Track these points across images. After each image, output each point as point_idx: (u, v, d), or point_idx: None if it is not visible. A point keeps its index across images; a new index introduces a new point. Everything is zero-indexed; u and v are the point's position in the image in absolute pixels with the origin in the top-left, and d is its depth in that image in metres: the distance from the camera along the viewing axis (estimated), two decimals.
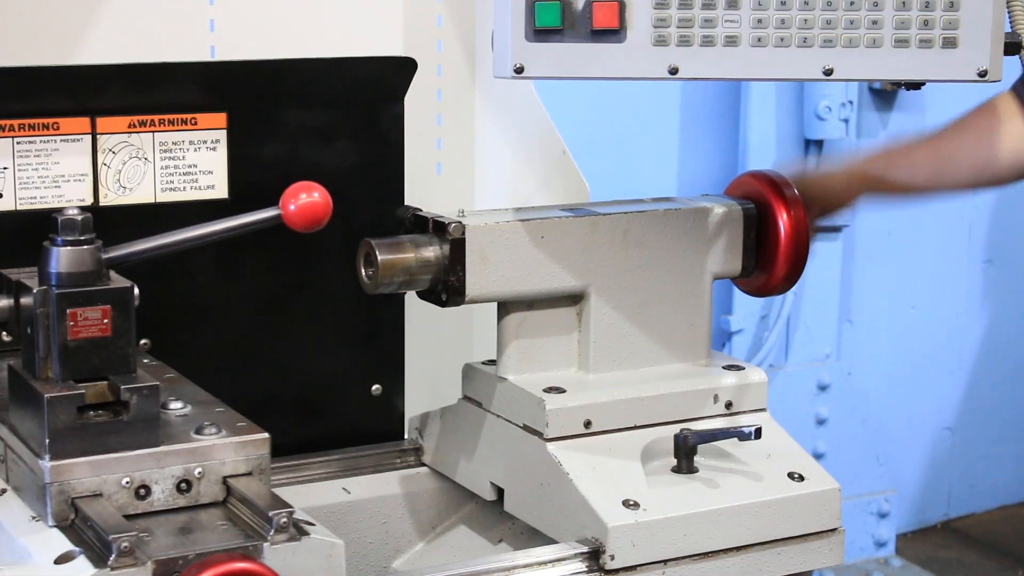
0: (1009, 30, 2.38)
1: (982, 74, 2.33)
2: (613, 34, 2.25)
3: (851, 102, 5.09)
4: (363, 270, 2.44)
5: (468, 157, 2.87)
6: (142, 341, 2.46)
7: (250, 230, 2.13)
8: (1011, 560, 5.68)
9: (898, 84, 2.42)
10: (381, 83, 2.72)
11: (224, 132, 2.60)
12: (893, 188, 2.78)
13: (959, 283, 5.79)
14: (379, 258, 2.40)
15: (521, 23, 2.22)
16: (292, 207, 2.10)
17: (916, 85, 2.39)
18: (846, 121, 5.07)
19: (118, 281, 2.04)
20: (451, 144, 2.85)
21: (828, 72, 2.31)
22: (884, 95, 5.19)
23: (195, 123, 2.58)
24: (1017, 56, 2.39)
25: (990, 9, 2.31)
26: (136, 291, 2.04)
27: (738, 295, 5.14)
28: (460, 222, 2.41)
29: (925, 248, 5.62)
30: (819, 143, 5.11)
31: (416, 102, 2.76)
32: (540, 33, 2.23)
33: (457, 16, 2.82)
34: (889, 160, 2.81)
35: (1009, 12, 2.39)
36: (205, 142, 2.59)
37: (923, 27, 2.30)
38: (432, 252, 2.41)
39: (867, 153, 2.88)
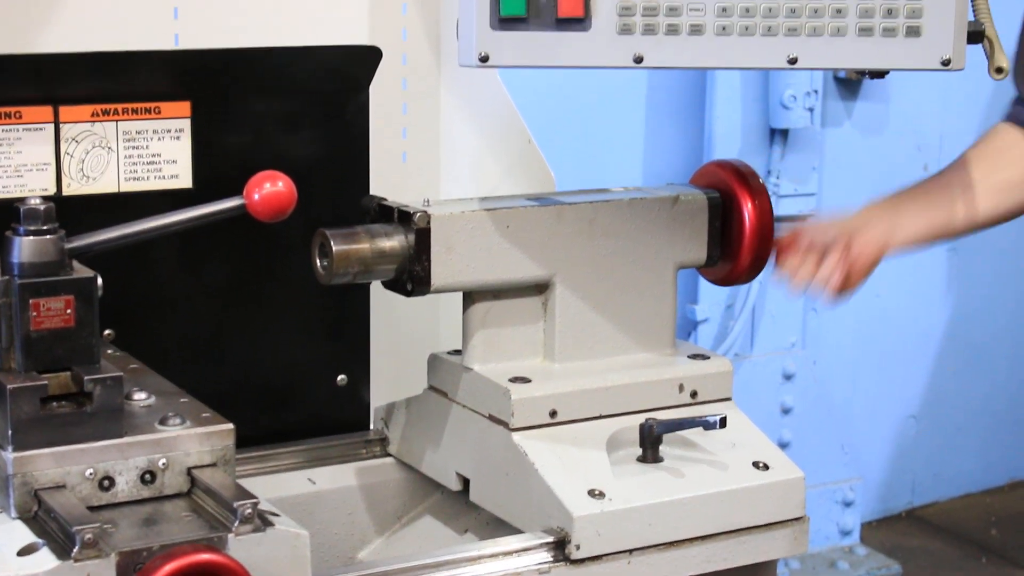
0: (972, 19, 2.39)
1: (945, 63, 2.33)
2: (578, 22, 2.24)
3: (816, 91, 5.08)
4: (318, 260, 2.43)
5: (433, 146, 2.87)
6: (106, 332, 2.45)
7: (214, 219, 2.12)
8: (974, 548, 5.71)
9: (863, 73, 2.43)
10: (346, 72, 2.71)
11: (188, 121, 2.59)
12: (944, 223, 2.71)
13: (923, 272, 5.80)
14: (334, 248, 2.38)
15: (486, 11, 2.22)
16: (256, 196, 2.09)
17: (880, 74, 2.40)
18: (811, 110, 5.07)
19: (81, 271, 2.03)
20: (416, 133, 2.85)
21: (793, 61, 2.31)
22: (849, 84, 5.19)
23: (159, 112, 2.56)
24: (980, 44, 2.40)
25: None
26: (99, 281, 2.03)
27: (704, 284, 5.14)
28: (425, 211, 2.41)
29: None
30: (784, 132, 5.12)
31: (381, 91, 2.75)
32: (505, 21, 2.22)
33: (422, 5, 2.81)
34: (917, 198, 2.73)
35: (971, 0, 2.39)
36: (169, 131, 2.57)
37: (887, 16, 2.31)
38: (396, 242, 2.41)
39: (886, 200, 2.77)
